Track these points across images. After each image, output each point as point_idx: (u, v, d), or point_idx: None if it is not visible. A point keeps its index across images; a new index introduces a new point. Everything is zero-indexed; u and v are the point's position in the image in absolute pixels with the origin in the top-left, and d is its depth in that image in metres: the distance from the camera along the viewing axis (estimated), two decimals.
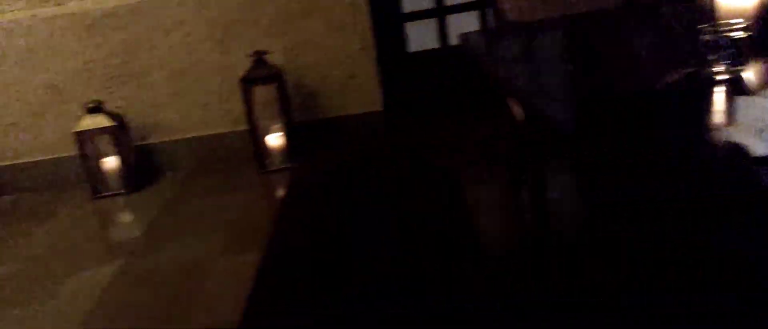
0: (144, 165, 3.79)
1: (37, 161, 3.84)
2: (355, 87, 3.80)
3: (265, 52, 3.50)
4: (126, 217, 3.49)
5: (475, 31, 3.14)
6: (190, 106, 3.82)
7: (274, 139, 3.60)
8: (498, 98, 2.13)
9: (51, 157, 3.83)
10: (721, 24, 1.32)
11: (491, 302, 1.30)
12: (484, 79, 1.90)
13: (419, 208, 1.74)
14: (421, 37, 4.02)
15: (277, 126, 3.59)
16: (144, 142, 3.83)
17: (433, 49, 4.07)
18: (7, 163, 3.84)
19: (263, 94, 3.53)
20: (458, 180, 1.89)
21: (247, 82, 3.48)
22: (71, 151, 3.67)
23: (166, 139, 3.85)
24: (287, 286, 1.46)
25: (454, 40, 4.02)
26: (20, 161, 3.84)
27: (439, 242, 1.79)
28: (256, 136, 3.58)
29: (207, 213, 3.24)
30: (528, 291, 1.67)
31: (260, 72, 3.48)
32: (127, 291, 2.58)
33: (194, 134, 3.86)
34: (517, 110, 1.92)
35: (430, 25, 4.05)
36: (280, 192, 3.46)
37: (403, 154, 3.47)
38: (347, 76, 3.78)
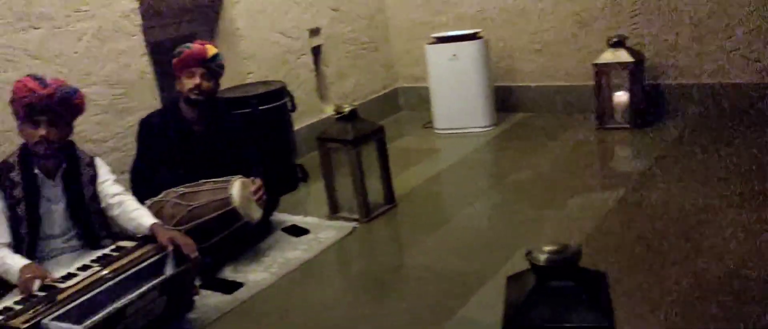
0: (651, 104, 3.81)
1: (554, 86, 4.20)
2: None
3: None
4: (628, 151, 3.61)
5: None
6: (713, 50, 3.66)
7: None
8: None
9: (566, 83, 4.14)
10: None
11: None
12: None
13: None
14: None
15: None
16: (655, 82, 3.85)
17: None
18: (529, 83, 4.29)
19: None
20: None
21: None
22: (586, 80, 3.90)
23: (679, 81, 3.80)
24: None
25: None
26: (539, 84, 4.26)
27: None
28: None
29: (712, 162, 3.13)
30: None
31: None
32: (629, 221, 2.70)
33: (709, 81, 3.71)
34: None
35: None
36: None
37: None
38: None
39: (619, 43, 3.65)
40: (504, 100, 4.29)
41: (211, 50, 2.85)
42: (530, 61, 4.24)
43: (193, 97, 2.81)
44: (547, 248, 1.36)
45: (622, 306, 2.00)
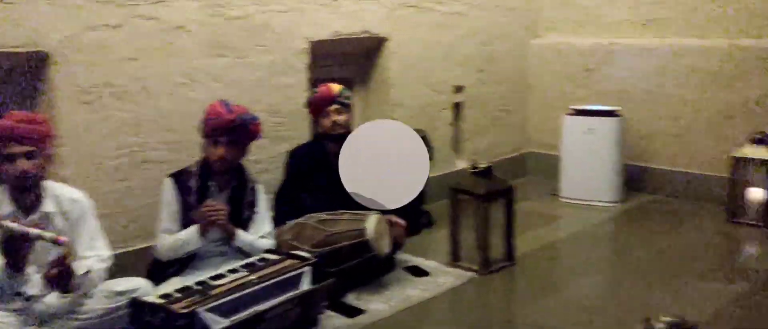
0: None
1: (687, 173, 4.19)
2: None
3: None
4: (758, 249, 3.53)
5: None
6: None
7: None
8: None
9: (700, 172, 4.12)
10: None
11: None
12: None
13: None
14: None
15: None
16: None
17: None
18: (661, 167, 4.30)
19: None
20: None
21: None
22: (720, 172, 3.88)
23: None
24: None
25: None
26: (672, 168, 4.26)
27: None
28: None
29: None
30: None
31: None
32: (747, 318, 2.68)
33: None
34: None
35: None
36: None
37: None
38: None
39: (762, 141, 3.63)
40: (633, 179, 4.31)
41: (335, 87, 3.14)
42: (666, 144, 4.26)
43: (336, 132, 3.10)
44: (665, 318, 1.47)
45: None
